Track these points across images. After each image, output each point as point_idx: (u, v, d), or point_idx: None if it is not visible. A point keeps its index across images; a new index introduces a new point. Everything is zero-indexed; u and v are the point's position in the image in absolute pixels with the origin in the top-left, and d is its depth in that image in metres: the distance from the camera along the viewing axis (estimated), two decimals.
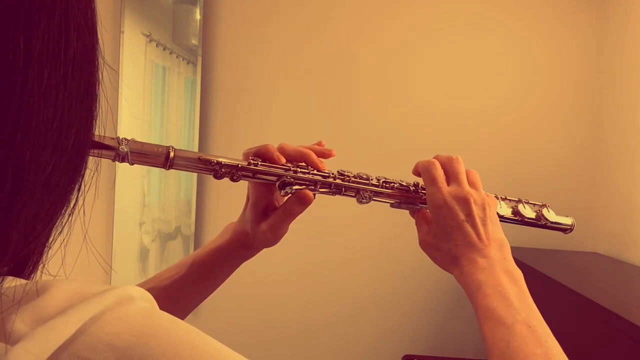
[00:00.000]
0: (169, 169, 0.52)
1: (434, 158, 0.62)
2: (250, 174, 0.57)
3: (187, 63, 1.97)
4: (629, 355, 0.92)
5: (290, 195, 0.58)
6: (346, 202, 2.16)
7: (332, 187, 0.60)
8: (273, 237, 0.61)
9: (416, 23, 1.99)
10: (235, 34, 2.01)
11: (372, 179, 0.62)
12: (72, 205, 0.31)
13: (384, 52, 2.00)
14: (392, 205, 0.64)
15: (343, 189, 0.61)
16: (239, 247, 0.63)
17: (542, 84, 1.97)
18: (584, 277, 1.36)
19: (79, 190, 0.31)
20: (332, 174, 0.61)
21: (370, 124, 2.00)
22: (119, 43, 1.92)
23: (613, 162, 1.83)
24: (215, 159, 0.55)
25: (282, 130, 2.00)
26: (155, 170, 1.98)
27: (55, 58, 0.27)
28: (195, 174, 1.96)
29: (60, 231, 0.31)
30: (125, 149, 0.48)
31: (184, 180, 1.98)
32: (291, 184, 0.57)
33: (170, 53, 1.96)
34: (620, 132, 1.79)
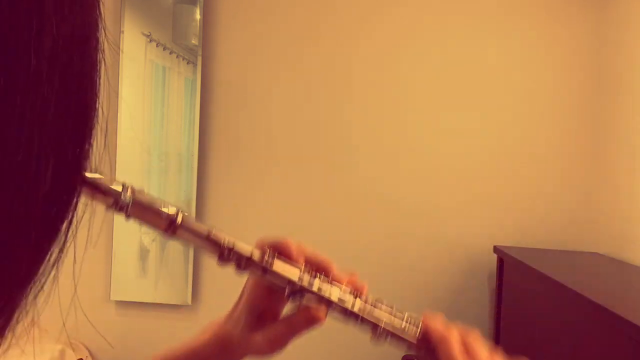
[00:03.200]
0: (170, 236, 0.43)
1: (448, 329, 0.52)
2: (259, 271, 0.48)
3: (187, 63, 1.97)
4: (629, 355, 0.92)
5: (298, 306, 0.49)
6: (347, 204, 2.16)
7: (348, 314, 0.51)
8: (269, 350, 0.50)
9: (416, 26, 1.99)
10: (235, 34, 2.01)
11: (396, 317, 0.53)
12: (54, 256, 0.22)
13: (385, 52, 2.00)
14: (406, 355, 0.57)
15: (360, 319, 0.52)
16: (217, 354, 0.51)
17: (543, 84, 1.97)
18: (584, 277, 1.36)
19: (67, 233, 0.23)
20: (353, 292, 0.53)
21: (370, 121, 2.00)
22: (119, 43, 1.92)
23: (613, 162, 1.83)
24: (225, 242, 0.46)
25: (282, 130, 2.00)
26: (155, 171, 1.98)
27: (15, 56, 0.17)
28: (195, 173, 1.96)
29: (40, 288, 0.22)
30: (129, 199, 0.38)
31: (184, 181, 1.98)
32: (303, 294, 0.49)
33: (170, 53, 1.97)
34: (621, 132, 1.79)
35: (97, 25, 0.21)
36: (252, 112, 2.01)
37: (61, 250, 0.22)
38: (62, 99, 0.19)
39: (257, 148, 1.99)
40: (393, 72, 2.00)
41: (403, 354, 1.98)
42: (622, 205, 1.74)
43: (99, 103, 0.22)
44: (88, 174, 0.29)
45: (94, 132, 0.22)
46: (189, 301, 1.98)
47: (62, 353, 1.84)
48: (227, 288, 2.11)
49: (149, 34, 1.95)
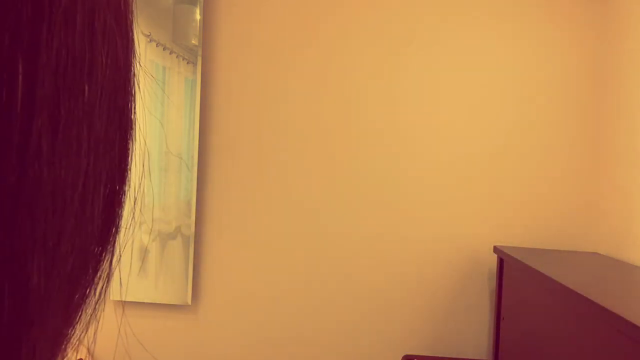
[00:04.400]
0: None
1: None
2: None
3: (187, 63, 1.97)
4: (629, 355, 0.92)
5: None
6: (347, 203, 2.15)
7: None
8: None
9: (417, 26, 1.99)
10: (235, 34, 2.01)
11: None
12: (101, 284, 0.22)
13: (386, 53, 2.00)
14: None
15: None
16: None
17: (543, 84, 1.97)
18: (584, 277, 1.36)
19: (111, 258, 0.22)
20: None
21: (371, 122, 2.00)
22: None
23: (613, 162, 1.83)
24: None
25: (281, 130, 2.00)
26: (155, 171, 1.98)
27: (74, 90, 0.17)
28: (195, 173, 1.96)
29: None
30: None
31: (184, 181, 1.98)
32: None
33: (170, 53, 1.96)
34: (621, 132, 1.79)
35: (133, 51, 0.21)
36: (252, 112, 2.01)
37: (108, 277, 0.23)
38: (109, 129, 0.20)
39: (257, 148, 1.99)
40: (393, 72, 2.00)
41: (403, 354, 1.98)
42: (622, 205, 1.74)
43: (135, 128, 0.22)
44: None
45: (131, 157, 0.23)
46: (189, 301, 1.98)
47: None
48: (227, 288, 2.12)
49: (149, 34, 1.95)
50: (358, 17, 2.00)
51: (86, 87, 0.18)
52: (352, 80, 2.00)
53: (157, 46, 1.96)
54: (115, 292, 2.00)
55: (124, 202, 0.22)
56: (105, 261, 0.22)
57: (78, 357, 1.88)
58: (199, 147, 1.97)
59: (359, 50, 2.00)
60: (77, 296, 0.20)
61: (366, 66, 2.00)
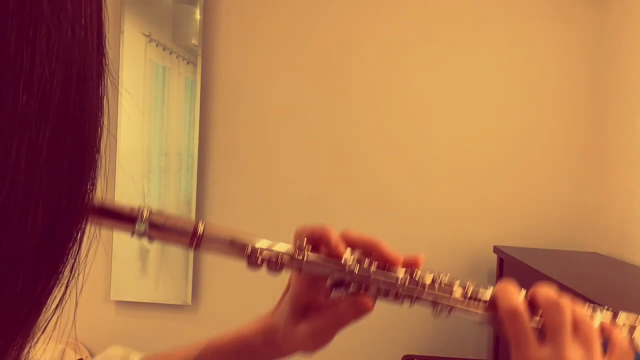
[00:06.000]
0: (195, 249, 0.41)
1: (517, 296, 0.45)
2: (295, 270, 0.46)
3: (187, 63, 1.97)
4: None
5: (343, 297, 0.47)
6: (348, 204, 2.14)
7: (399, 297, 0.47)
8: (312, 344, 0.49)
9: (419, 26, 1.99)
10: (235, 34, 2.01)
11: (454, 289, 0.48)
12: (57, 299, 0.21)
13: (386, 52, 2.00)
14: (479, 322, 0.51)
15: (414, 298, 0.48)
16: (263, 344, 0.50)
17: (543, 84, 1.97)
18: (584, 277, 1.36)
19: (69, 276, 0.21)
20: (402, 278, 0.47)
21: (371, 122, 2.00)
22: (119, 43, 1.92)
23: (613, 162, 1.83)
24: (250, 245, 0.43)
25: (282, 129, 2.00)
26: (155, 171, 1.98)
27: (3, 99, 0.16)
28: (195, 173, 1.96)
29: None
30: (143, 228, 0.37)
31: (184, 181, 1.98)
32: (348, 284, 0.46)
33: (170, 53, 1.96)
34: (621, 132, 1.79)
35: (100, 65, 0.21)
36: (252, 112, 2.01)
37: (63, 294, 0.21)
38: (57, 142, 0.18)
39: (257, 148, 1.99)
40: (393, 72, 2.00)
41: (403, 354, 1.98)
42: (622, 205, 1.74)
43: (100, 141, 0.21)
44: (101, 205, 0.30)
45: (97, 171, 0.21)
46: (189, 301, 1.98)
47: (62, 353, 1.84)
48: (227, 288, 2.12)
49: (149, 34, 1.95)
50: (359, 17, 2.00)
51: (20, 97, 0.17)
52: (352, 79, 2.00)
53: (157, 46, 1.96)
54: (115, 292, 2.00)
55: (81, 214, 0.20)
56: (51, 292, 0.20)
57: (78, 358, 1.88)
58: (199, 147, 1.97)
59: (360, 51, 2.00)
60: (7, 335, 0.18)
61: (368, 66, 2.00)
